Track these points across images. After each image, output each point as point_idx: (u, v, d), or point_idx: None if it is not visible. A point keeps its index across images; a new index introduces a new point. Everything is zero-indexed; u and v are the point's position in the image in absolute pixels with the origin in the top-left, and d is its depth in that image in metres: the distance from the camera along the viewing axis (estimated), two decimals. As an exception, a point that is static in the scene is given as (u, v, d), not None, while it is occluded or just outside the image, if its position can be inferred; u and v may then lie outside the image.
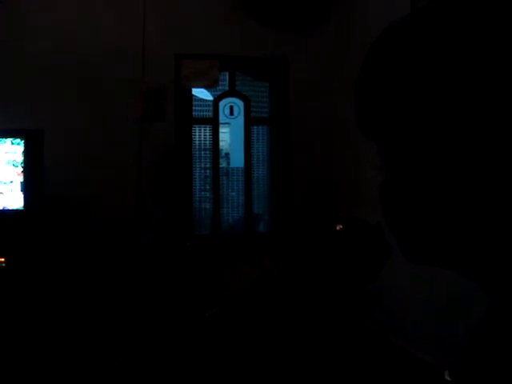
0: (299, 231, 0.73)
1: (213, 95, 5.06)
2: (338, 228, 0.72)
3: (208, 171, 5.02)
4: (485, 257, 0.55)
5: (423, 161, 0.54)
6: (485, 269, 0.56)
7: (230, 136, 6.98)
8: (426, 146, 0.54)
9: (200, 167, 5.00)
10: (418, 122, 0.53)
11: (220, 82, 4.89)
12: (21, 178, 3.83)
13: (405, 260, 0.61)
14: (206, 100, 5.09)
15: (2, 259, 3.69)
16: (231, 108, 5.19)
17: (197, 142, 4.94)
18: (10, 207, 3.84)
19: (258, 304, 0.70)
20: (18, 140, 3.86)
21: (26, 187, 3.84)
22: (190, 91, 4.89)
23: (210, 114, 4.97)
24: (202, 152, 4.97)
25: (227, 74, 4.99)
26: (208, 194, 5.02)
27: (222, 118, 5.08)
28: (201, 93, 5.09)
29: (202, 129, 4.95)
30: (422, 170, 0.55)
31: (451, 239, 0.55)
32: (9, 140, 3.86)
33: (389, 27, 0.56)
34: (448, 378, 0.61)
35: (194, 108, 4.93)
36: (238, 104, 5.12)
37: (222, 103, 5.06)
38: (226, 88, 5.01)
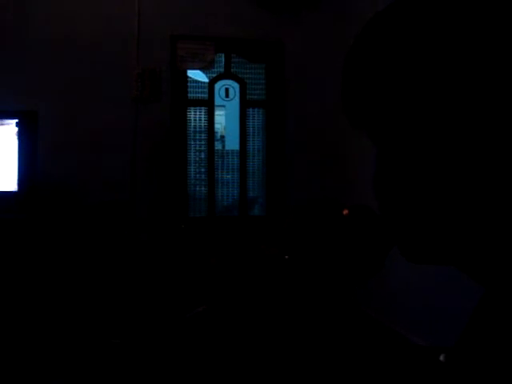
0: (304, 215, 0.72)
1: (208, 77, 5.04)
2: (344, 213, 0.71)
3: (203, 153, 5.00)
4: (477, 247, 0.55)
5: (414, 151, 0.53)
6: (477, 260, 0.56)
7: (225, 118, 6.96)
8: (417, 135, 0.52)
9: (195, 149, 4.98)
10: (409, 110, 0.52)
11: (215, 64, 4.86)
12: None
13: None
14: (202, 82, 5.06)
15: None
16: (227, 90, 5.16)
17: (192, 124, 4.92)
18: (3, 189, 3.83)
19: (262, 293, 0.70)
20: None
21: (20, 169, 3.82)
22: (186, 73, 4.86)
23: (206, 96, 4.95)
24: (197, 134, 4.96)
25: (223, 55, 4.96)
26: (203, 176, 5.01)
27: (217, 101, 5.06)
28: (196, 74, 5.06)
29: (198, 111, 4.93)
30: (414, 161, 0.53)
31: (446, 230, 0.55)
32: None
33: (377, 14, 0.54)
34: (443, 360, 0.62)
35: (189, 90, 4.90)
36: (234, 86, 5.10)
37: (217, 85, 5.03)
38: (222, 70, 4.98)
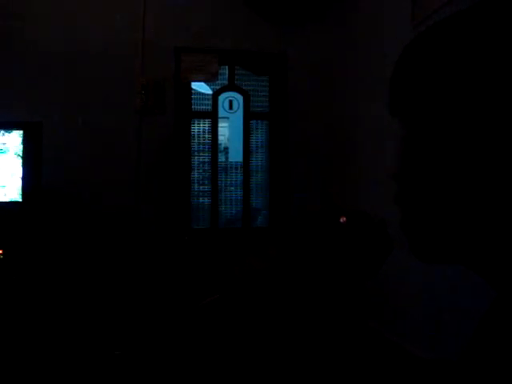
0: (302, 223, 0.73)
1: (212, 89, 5.06)
2: (341, 220, 0.72)
3: (206, 165, 5.01)
4: (494, 250, 0.55)
5: (441, 141, 0.57)
6: (490, 259, 0.56)
7: (228, 130, 6.97)
8: (449, 130, 0.56)
9: (199, 161, 4.99)
10: (446, 106, 0.57)
11: (219, 76, 4.88)
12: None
13: (404, 255, 0.61)
14: (206, 94, 5.08)
15: (0, 251, 3.68)
16: (230, 102, 5.18)
17: (196, 135, 4.94)
18: (8, 198, 3.84)
19: (262, 294, 0.70)
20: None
21: (25, 179, 3.83)
22: (190, 85, 4.88)
23: (210, 107, 4.97)
24: (201, 146, 4.97)
25: (227, 68, 4.98)
26: (206, 188, 5.01)
27: (221, 112, 5.07)
28: (200, 86, 5.08)
29: (202, 123, 4.94)
30: (439, 151, 0.57)
31: (462, 230, 0.56)
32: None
33: (433, 24, 0.63)
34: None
35: (193, 102, 4.92)
36: (238, 98, 5.12)
37: (221, 97, 5.05)
38: (226, 82, 5.01)
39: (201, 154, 4.97)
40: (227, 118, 6.19)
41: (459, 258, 0.59)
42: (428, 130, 0.58)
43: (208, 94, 5.06)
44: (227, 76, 5.00)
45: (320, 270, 0.70)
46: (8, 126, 3.88)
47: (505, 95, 0.53)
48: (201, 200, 5.04)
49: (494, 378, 0.49)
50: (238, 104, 5.13)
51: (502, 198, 0.53)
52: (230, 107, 5.20)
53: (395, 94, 0.64)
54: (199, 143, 4.95)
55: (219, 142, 5.35)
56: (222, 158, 6.35)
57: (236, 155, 5.58)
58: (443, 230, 0.57)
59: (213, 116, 4.96)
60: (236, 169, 5.18)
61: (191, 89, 4.91)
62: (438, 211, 0.57)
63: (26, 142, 3.85)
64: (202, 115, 4.95)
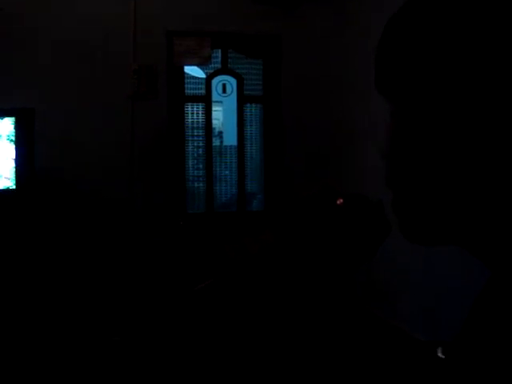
0: (299, 205, 0.72)
1: (205, 73, 5.02)
2: (338, 202, 0.71)
3: (201, 150, 4.99)
4: (489, 230, 0.54)
5: (434, 121, 0.55)
6: (484, 239, 0.55)
7: (222, 114, 6.95)
8: (437, 107, 0.55)
9: (193, 145, 4.97)
10: (433, 83, 0.55)
11: (212, 60, 4.85)
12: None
13: (402, 238, 0.61)
14: (199, 78, 5.05)
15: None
16: (224, 86, 5.15)
17: (189, 120, 4.91)
18: (2, 186, 3.82)
19: (257, 279, 0.70)
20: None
21: (18, 167, 3.81)
22: (182, 69, 4.84)
23: (203, 91, 4.93)
24: (195, 130, 4.95)
25: (220, 51, 4.94)
26: (201, 172, 5.00)
27: (214, 96, 5.05)
28: (193, 70, 5.04)
29: (195, 107, 4.92)
30: (430, 133, 0.56)
31: (454, 208, 0.55)
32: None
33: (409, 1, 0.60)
34: (441, 355, 0.61)
35: (186, 86, 4.89)
36: (231, 82, 5.09)
37: (214, 81, 5.02)
38: (219, 66, 4.97)
39: (195, 138, 4.95)
40: (221, 101, 6.17)
41: (452, 238, 0.58)
42: (415, 106, 0.57)
43: (201, 78, 5.03)
44: (220, 59, 4.96)
45: (317, 251, 0.70)
46: (0, 113, 3.85)
47: (495, 68, 0.51)
48: (196, 184, 5.03)
49: (488, 358, 0.49)
50: (232, 88, 5.11)
51: (493, 176, 0.52)
52: (224, 91, 5.17)
53: (380, 69, 0.62)
54: (193, 128, 4.93)
55: (213, 126, 5.33)
56: (216, 142, 6.33)
57: (230, 139, 5.57)
58: (434, 208, 0.57)
59: (206, 100, 4.93)
60: (230, 153, 5.17)
61: (184, 73, 4.88)
62: (428, 190, 0.56)
63: (18, 128, 3.82)
64: (195, 99, 4.92)
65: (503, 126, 0.51)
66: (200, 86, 4.96)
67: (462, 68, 0.53)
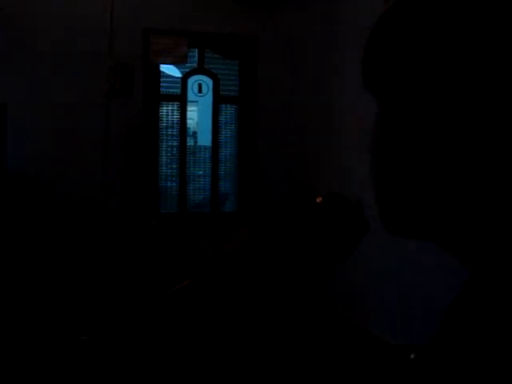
0: (276, 204, 0.72)
1: (181, 72, 5.00)
2: (317, 201, 0.71)
3: (175, 149, 4.97)
4: (468, 229, 0.55)
5: (418, 119, 0.55)
6: (467, 241, 0.56)
7: (197, 114, 6.93)
8: (423, 103, 0.55)
9: (167, 145, 4.94)
10: (421, 80, 0.55)
11: (189, 59, 4.83)
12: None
13: (377, 237, 0.60)
14: (175, 77, 5.02)
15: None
16: (200, 86, 5.14)
17: (164, 119, 4.88)
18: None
19: (235, 278, 0.69)
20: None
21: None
22: (159, 67, 4.82)
23: (178, 91, 4.91)
24: (169, 130, 4.92)
25: (196, 51, 4.93)
26: (174, 172, 4.98)
27: (190, 96, 5.03)
28: (169, 69, 5.02)
29: (170, 106, 4.89)
30: (412, 126, 0.56)
31: (435, 207, 0.55)
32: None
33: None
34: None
35: (161, 85, 4.86)
36: (207, 82, 5.07)
37: (190, 80, 5.00)
38: (195, 65, 4.95)
39: (169, 137, 4.93)
40: (196, 101, 6.15)
41: (432, 234, 0.58)
42: (401, 104, 0.57)
43: (177, 77, 5.00)
44: (197, 59, 4.95)
45: (296, 249, 0.69)
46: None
47: (482, 67, 0.52)
48: (169, 184, 5.00)
49: (464, 361, 0.49)
50: (208, 88, 5.09)
51: (475, 174, 0.52)
52: (199, 91, 5.16)
53: (368, 66, 0.62)
54: (167, 127, 4.90)
55: (188, 125, 5.31)
56: (190, 141, 6.31)
57: (205, 139, 5.55)
58: (416, 204, 0.57)
59: (181, 99, 4.91)
60: (204, 153, 5.15)
61: (160, 71, 4.85)
62: (411, 186, 0.56)
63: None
64: (170, 98, 4.89)
65: (485, 125, 0.51)
66: (176, 85, 4.93)
67: (451, 66, 0.53)
